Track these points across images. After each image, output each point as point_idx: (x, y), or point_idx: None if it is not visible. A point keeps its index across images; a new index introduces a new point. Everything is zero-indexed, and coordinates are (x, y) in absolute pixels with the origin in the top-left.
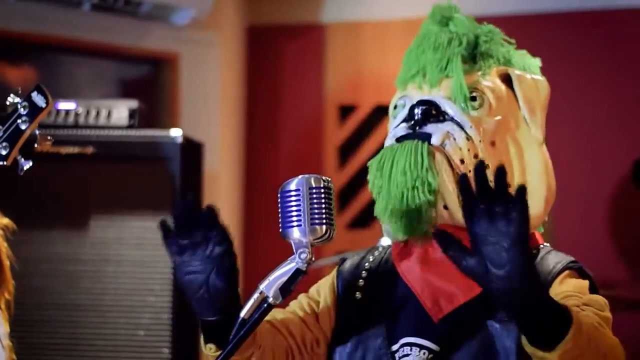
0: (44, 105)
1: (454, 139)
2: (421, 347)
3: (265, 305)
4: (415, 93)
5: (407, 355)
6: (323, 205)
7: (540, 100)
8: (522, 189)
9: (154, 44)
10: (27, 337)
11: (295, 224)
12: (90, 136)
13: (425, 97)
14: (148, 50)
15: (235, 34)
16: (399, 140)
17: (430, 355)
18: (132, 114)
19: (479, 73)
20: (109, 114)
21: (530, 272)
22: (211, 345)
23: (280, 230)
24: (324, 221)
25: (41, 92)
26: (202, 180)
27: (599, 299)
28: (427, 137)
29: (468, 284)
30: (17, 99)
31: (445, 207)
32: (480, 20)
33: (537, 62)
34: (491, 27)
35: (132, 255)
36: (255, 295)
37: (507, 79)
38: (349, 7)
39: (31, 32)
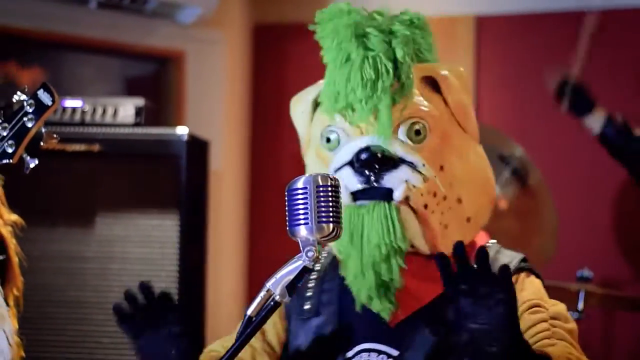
0: (50, 103)
1: (413, 185)
2: (379, 352)
3: (272, 303)
4: (349, 129)
5: None
6: (330, 204)
7: (469, 97)
8: (505, 270)
9: (160, 42)
10: (33, 334)
11: (302, 222)
12: (97, 134)
13: (370, 142)
14: (154, 48)
15: (241, 33)
16: (355, 196)
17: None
18: (138, 111)
19: (407, 95)
20: (116, 112)
21: (522, 342)
22: None
23: (287, 228)
24: (331, 219)
25: (47, 90)
26: (208, 178)
27: (561, 309)
28: (388, 194)
29: (422, 291)
30: (24, 97)
31: (412, 245)
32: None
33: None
34: (402, 29)
35: (137, 252)
36: (262, 293)
37: (429, 80)
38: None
39: (36, 29)
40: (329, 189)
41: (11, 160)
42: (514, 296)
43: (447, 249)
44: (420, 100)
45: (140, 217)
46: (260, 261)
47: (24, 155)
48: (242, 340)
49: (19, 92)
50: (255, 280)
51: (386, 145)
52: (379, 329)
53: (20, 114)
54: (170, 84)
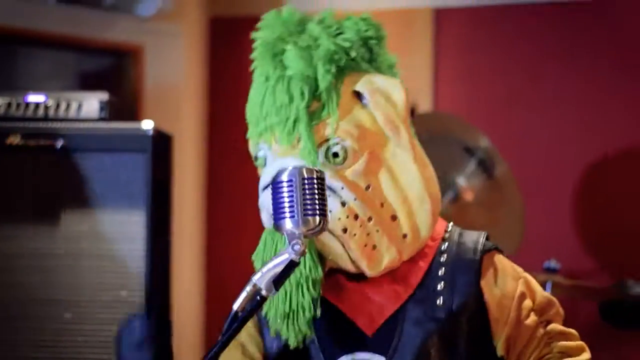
0: None
1: (330, 210)
2: None
3: (259, 297)
4: (273, 147)
5: None
6: (316, 196)
7: (401, 113)
8: None
9: (118, 36)
10: (4, 334)
11: (287, 215)
12: (61, 129)
13: (287, 165)
14: (112, 42)
15: (199, 25)
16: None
17: None
18: (102, 106)
19: (329, 113)
20: (80, 107)
21: None
22: None
23: (273, 222)
24: (317, 212)
25: None
26: (172, 173)
27: (542, 295)
28: None
29: (394, 293)
30: None
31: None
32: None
33: (392, 59)
34: (327, 43)
35: (106, 249)
36: (248, 288)
37: (359, 94)
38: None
39: None
40: (315, 181)
41: None
42: None
43: (376, 268)
44: (345, 118)
45: (106, 213)
46: (218, 257)
47: None
48: (229, 335)
49: None
50: (213, 275)
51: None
52: (358, 336)
53: None
54: (129, 78)
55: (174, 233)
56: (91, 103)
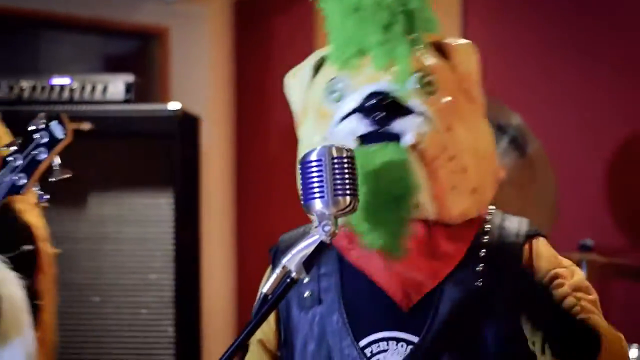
0: (62, 136)
1: (423, 134)
2: (397, 339)
3: (289, 280)
4: (358, 77)
5: (384, 350)
6: (346, 176)
7: (477, 70)
8: None
9: (143, 18)
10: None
11: (317, 195)
12: (87, 111)
13: (380, 88)
14: (137, 25)
15: (224, 7)
16: (362, 139)
17: (410, 347)
18: (128, 88)
19: (421, 48)
20: (105, 89)
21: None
22: None
23: (302, 202)
24: (348, 192)
25: (61, 122)
26: (200, 155)
27: (580, 279)
28: (397, 139)
29: (433, 270)
30: (40, 124)
31: (416, 205)
32: None
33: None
34: None
35: (131, 232)
36: (278, 270)
37: (438, 48)
38: None
39: (16, 7)
40: (345, 160)
41: (21, 194)
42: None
43: (454, 214)
44: (431, 57)
45: (133, 196)
46: (249, 238)
47: (35, 189)
48: (259, 319)
49: (36, 120)
50: (244, 257)
51: (397, 92)
52: (392, 314)
53: (33, 146)
54: (155, 60)
55: (207, 214)
56: (117, 85)
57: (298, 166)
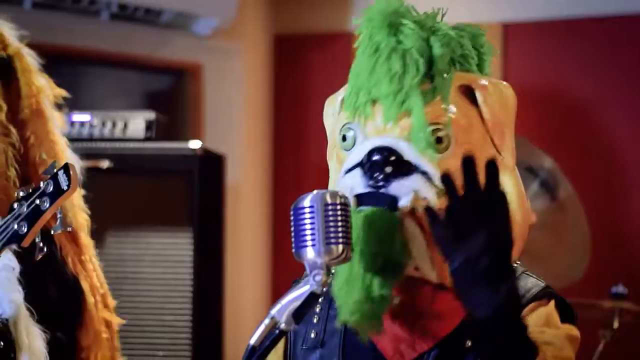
0: (65, 188)
1: (424, 197)
2: None
3: (277, 331)
4: (367, 126)
5: None
6: (339, 223)
7: (510, 117)
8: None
9: (176, 54)
10: None
11: (309, 243)
12: (106, 149)
13: (385, 143)
14: (170, 61)
15: (260, 43)
16: (358, 198)
17: None
18: (149, 125)
19: (439, 98)
20: (125, 126)
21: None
22: None
23: (293, 250)
24: (340, 240)
25: (67, 172)
26: (224, 193)
27: (559, 335)
28: (393, 202)
29: (430, 331)
30: (50, 171)
31: (416, 268)
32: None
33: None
34: (445, 27)
35: (150, 273)
36: (266, 321)
37: (468, 91)
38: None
39: (49, 42)
40: (338, 207)
41: (21, 244)
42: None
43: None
44: (451, 108)
45: (152, 236)
46: (283, 278)
47: (37, 240)
48: None
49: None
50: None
51: (403, 149)
52: None
53: (38, 194)
54: (188, 96)
55: (231, 256)
56: (137, 122)
57: (290, 212)
